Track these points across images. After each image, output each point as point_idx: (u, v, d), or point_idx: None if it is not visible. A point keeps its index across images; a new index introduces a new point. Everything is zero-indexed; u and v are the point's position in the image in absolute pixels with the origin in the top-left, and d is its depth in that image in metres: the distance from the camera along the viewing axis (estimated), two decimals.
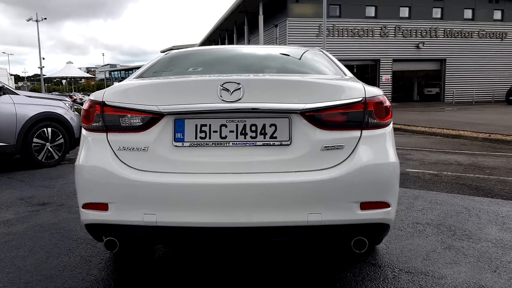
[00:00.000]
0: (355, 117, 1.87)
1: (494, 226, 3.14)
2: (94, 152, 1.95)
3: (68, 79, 44.40)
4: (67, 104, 6.14)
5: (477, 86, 27.71)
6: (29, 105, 5.55)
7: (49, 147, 5.80)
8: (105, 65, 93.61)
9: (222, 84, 1.84)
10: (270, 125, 1.85)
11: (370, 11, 25.61)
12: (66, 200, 3.98)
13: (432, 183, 4.69)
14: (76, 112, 6.37)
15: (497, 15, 27.69)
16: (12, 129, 5.32)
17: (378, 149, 1.89)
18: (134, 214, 1.84)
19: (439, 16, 26.71)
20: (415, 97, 31.18)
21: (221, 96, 1.83)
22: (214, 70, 2.35)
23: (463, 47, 27.22)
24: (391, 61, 26.39)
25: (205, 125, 1.86)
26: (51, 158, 5.83)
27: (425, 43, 26.43)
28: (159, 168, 1.85)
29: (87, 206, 1.94)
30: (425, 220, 3.29)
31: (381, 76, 26.52)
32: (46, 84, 48.34)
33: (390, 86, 26.75)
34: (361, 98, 1.88)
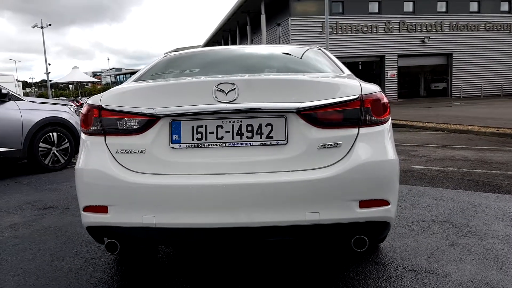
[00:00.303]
0: (352, 115, 1.86)
1: (501, 222, 3.10)
2: (93, 156, 1.96)
3: (74, 84, 44.78)
4: (71, 109, 6.19)
5: (485, 79, 27.42)
6: (35, 111, 5.60)
7: (55, 152, 5.85)
8: (110, 69, 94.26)
9: (217, 85, 1.84)
10: (266, 125, 1.84)
11: (374, 7, 25.45)
12: (72, 203, 4.02)
13: (438, 180, 4.64)
14: None
15: (504, 6, 27.35)
16: (18, 134, 5.38)
17: (376, 146, 1.87)
18: (133, 216, 1.84)
19: (444, 9, 26.45)
20: (422, 92, 30.95)
21: (216, 97, 1.83)
22: (211, 71, 2.35)
23: (469, 41, 26.93)
24: (396, 56, 26.21)
25: (201, 127, 1.86)
26: (57, 162, 5.89)
27: (430, 37, 26.21)
28: (156, 170, 1.86)
29: (88, 209, 1.95)
30: (430, 217, 3.26)
31: (387, 72, 26.35)
32: (53, 90, 48.84)
33: (396, 82, 26.58)
34: (358, 96, 1.87)
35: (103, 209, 1.90)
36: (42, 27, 33.03)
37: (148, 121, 1.89)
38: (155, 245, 2.69)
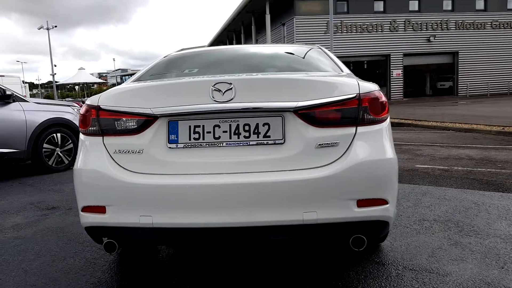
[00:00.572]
0: (349, 114, 1.85)
1: (504, 221, 3.06)
2: (91, 156, 1.97)
3: (80, 85, 45.09)
4: (75, 110, 6.22)
5: (491, 78, 27.16)
6: (39, 112, 5.64)
7: (59, 152, 5.89)
8: (116, 70, 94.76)
9: (214, 85, 1.84)
10: (263, 124, 1.84)
11: (379, 6, 25.33)
12: (75, 204, 4.00)
13: (441, 179, 4.61)
14: None
15: (511, 4, 27.07)
16: (22, 135, 5.42)
17: (374, 145, 1.85)
18: (130, 216, 1.85)
19: (450, 8, 26.25)
20: (428, 91, 30.73)
21: (213, 96, 1.83)
22: (210, 71, 2.35)
23: (476, 39, 26.70)
24: (402, 55, 26.06)
25: (199, 126, 1.86)
26: (61, 163, 5.93)
27: (436, 36, 26.02)
28: (154, 170, 1.86)
29: (86, 209, 1.96)
30: (432, 216, 3.23)
31: (392, 71, 26.21)
32: (59, 91, 49.20)
33: (402, 81, 26.44)
34: (355, 94, 1.85)
35: (101, 209, 1.91)
36: (48, 29, 33.29)
37: (146, 121, 1.89)
38: (153, 245, 2.69)
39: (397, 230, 2.93)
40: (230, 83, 1.83)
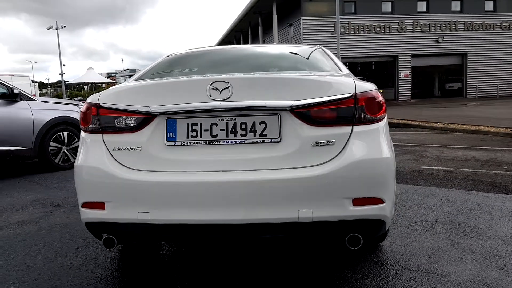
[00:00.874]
0: (345, 113, 1.85)
1: (507, 223, 3.04)
2: (91, 153, 2.00)
3: (89, 85, 45.50)
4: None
5: (501, 79, 26.86)
6: (46, 110, 5.71)
7: (65, 151, 5.96)
8: (124, 70, 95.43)
9: (211, 84, 1.86)
10: (260, 123, 1.85)
11: (387, 6, 25.19)
12: None
13: (445, 180, 4.58)
14: None
15: None
16: (29, 133, 5.49)
17: (371, 144, 1.86)
18: (129, 212, 1.87)
19: (458, 9, 26.01)
20: (436, 92, 30.50)
21: (210, 95, 1.84)
22: (209, 71, 2.37)
23: (485, 40, 26.43)
24: (410, 56, 25.89)
25: (196, 124, 1.88)
26: (67, 161, 5.99)
27: (444, 37, 25.81)
28: (152, 167, 1.89)
29: (86, 205, 1.99)
30: (434, 217, 3.22)
31: (400, 72, 26.05)
32: (68, 90, 49.66)
33: (410, 82, 26.26)
34: (351, 94, 1.86)
35: (100, 205, 1.94)
36: (57, 29, 33.63)
37: (144, 119, 1.92)
38: (151, 241, 2.72)
39: (397, 231, 2.93)
40: (227, 82, 1.85)
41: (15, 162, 5.83)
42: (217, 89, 1.85)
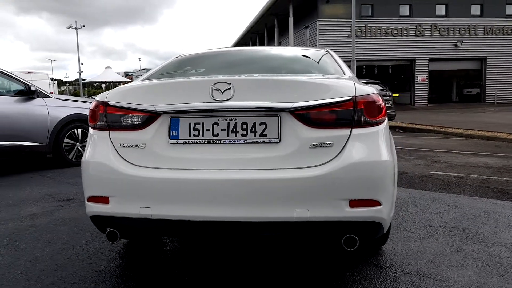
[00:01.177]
0: (344, 115, 1.88)
1: None
2: (98, 149, 2.07)
3: (107, 84, 46.26)
4: None
5: None
6: (61, 107, 5.86)
7: (79, 147, 6.10)
8: (142, 70, 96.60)
9: (214, 84, 1.91)
10: (260, 123, 1.89)
11: (404, 10, 24.93)
12: None
13: (455, 186, 4.53)
14: None
15: None
16: (45, 130, 5.65)
17: (369, 147, 1.87)
18: (131, 207, 1.93)
19: (478, 13, 25.56)
20: (454, 97, 30.00)
21: (213, 95, 1.89)
22: (215, 71, 2.42)
23: (505, 45, 25.88)
24: (427, 60, 25.55)
25: (199, 124, 1.93)
26: (80, 158, 6.08)
27: (463, 41, 25.39)
28: (155, 164, 1.94)
29: (91, 199, 2.06)
30: (439, 223, 3.20)
31: (417, 76, 25.73)
32: (86, 89, 50.54)
33: (427, 87, 25.91)
34: (351, 97, 1.88)
35: (104, 200, 2.00)
36: (76, 28, 34.35)
37: (149, 118, 1.98)
38: (152, 235, 2.78)
39: (400, 235, 2.92)
40: (229, 83, 1.90)
41: (30, 157, 6.00)
42: (219, 89, 1.90)
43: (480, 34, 25.63)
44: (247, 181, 1.83)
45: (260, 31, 34.32)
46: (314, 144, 1.86)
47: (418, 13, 24.84)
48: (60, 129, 5.80)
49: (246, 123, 1.90)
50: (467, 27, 25.43)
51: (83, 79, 40.14)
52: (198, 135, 1.93)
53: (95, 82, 49.94)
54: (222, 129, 1.92)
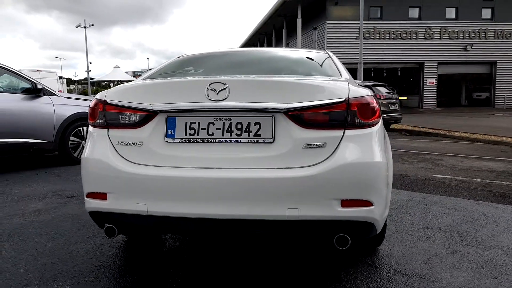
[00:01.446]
0: (337, 117, 1.90)
1: (510, 234, 3.00)
2: (97, 146, 2.12)
3: (115, 83, 46.68)
4: None
5: None
6: (67, 106, 5.95)
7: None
8: (150, 69, 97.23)
9: (210, 85, 1.95)
10: (255, 124, 1.93)
11: (414, 12, 24.78)
12: None
13: (456, 189, 4.52)
14: None
15: None
16: (51, 127, 5.74)
17: (362, 148, 1.90)
18: (128, 204, 1.98)
19: (489, 16, 25.32)
20: (463, 101, 29.77)
21: (208, 95, 1.94)
22: (213, 72, 2.47)
23: None
24: (436, 64, 25.38)
25: (194, 123, 1.98)
26: None
27: (473, 45, 25.17)
28: (151, 162, 1.99)
29: (90, 195, 2.12)
30: (437, 225, 3.20)
31: (425, 80, 25.57)
32: (95, 87, 51.02)
33: (435, 90, 25.73)
34: (344, 98, 1.91)
35: (103, 196, 2.06)
36: (85, 27, 34.70)
37: (147, 116, 2.03)
38: (148, 231, 2.83)
39: (397, 236, 2.94)
40: (225, 84, 1.94)
41: (37, 154, 6.09)
42: (215, 90, 1.94)
43: (490, 37, 25.40)
44: (241, 180, 1.86)
45: (268, 32, 34.37)
46: (307, 145, 1.89)
47: (428, 16, 24.69)
48: (66, 127, 5.89)
49: (241, 123, 1.94)
50: (477, 30, 25.21)
51: (91, 78, 40.56)
52: (193, 134, 1.97)
53: (103, 81, 50.38)
54: (217, 129, 1.96)
